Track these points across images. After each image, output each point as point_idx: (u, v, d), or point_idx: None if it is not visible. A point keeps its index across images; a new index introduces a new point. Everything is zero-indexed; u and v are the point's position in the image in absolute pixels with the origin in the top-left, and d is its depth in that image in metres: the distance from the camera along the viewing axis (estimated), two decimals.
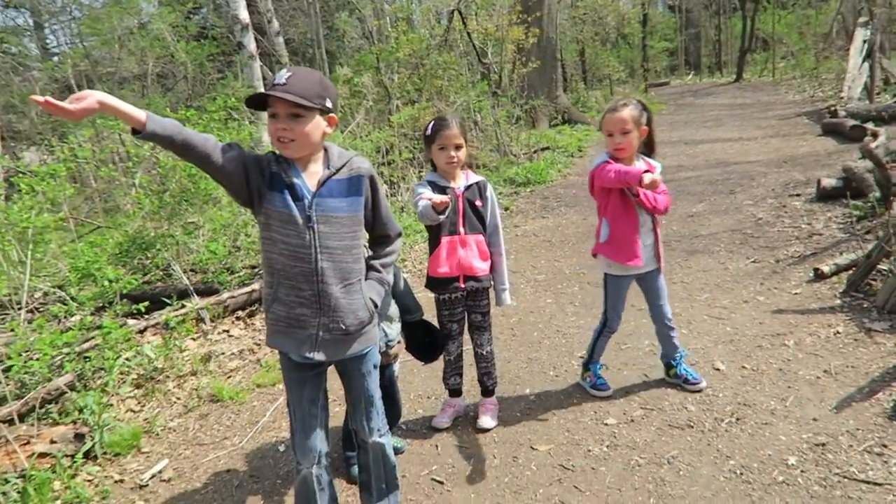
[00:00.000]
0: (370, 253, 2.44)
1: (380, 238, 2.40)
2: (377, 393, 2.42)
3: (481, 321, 3.32)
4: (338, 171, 2.16)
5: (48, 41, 21.04)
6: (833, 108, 11.57)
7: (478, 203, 3.17)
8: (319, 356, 2.20)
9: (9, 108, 14.02)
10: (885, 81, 13.50)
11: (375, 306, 2.29)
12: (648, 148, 3.24)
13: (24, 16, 19.89)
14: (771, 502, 2.55)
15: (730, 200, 7.36)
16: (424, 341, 3.19)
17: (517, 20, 11.77)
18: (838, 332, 3.88)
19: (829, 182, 6.69)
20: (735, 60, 26.78)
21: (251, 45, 10.49)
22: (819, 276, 4.69)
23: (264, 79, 11.70)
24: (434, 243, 3.17)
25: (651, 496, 2.67)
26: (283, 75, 2.04)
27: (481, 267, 3.18)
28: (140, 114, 1.84)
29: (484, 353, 3.38)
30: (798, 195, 7.12)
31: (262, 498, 2.98)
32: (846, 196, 6.23)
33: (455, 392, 3.48)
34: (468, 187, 3.16)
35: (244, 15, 10.28)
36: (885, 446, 2.79)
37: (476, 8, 12.39)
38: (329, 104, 2.10)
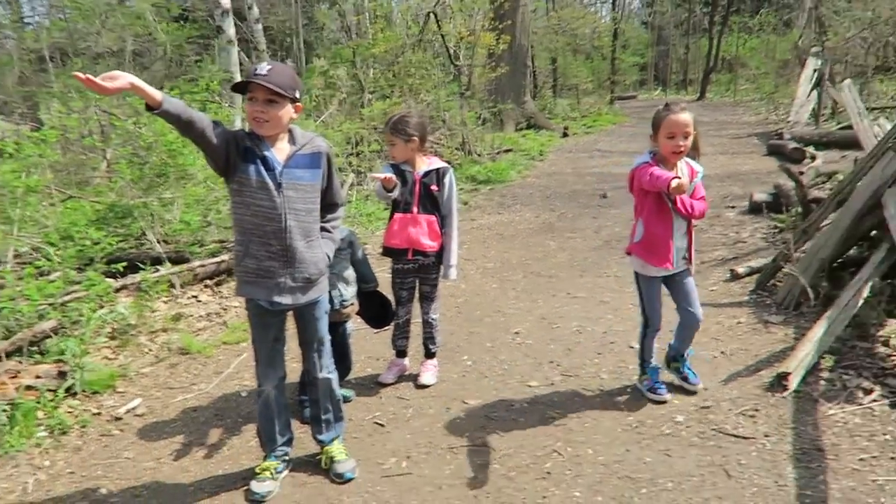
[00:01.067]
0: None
1: (329, 206, 2.87)
2: (327, 336, 2.90)
3: (430, 292, 3.78)
4: (301, 147, 2.63)
5: (23, 10, 20.85)
6: (780, 131, 12.36)
7: (433, 188, 3.55)
8: (286, 301, 2.66)
9: None
10: (832, 111, 14.37)
11: (331, 259, 2.78)
12: (694, 150, 3.24)
13: None
14: (656, 447, 3.07)
15: None
16: (377, 311, 3.71)
17: (489, 26, 12.28)
18: (740, 322, 4.45)
19: (760, 196, 7.34)
20: (701, 79, 27.79)
21: (230, 31, 10.79)
22: (734, 276, 5.28)
23: (241, 64, 11.98)
24: (390, 218, 3.61)
25: (559, 441, 3.17)
26: (264, 67, 2.50)
27: (429, 244, 3.57)
28: (158, 94, 2.26)
29: (430, 319, 3.84)
30: (733, 207, 7.76)
31: (225, 431, 3.40)
32: (775, 210, 6.89)
33: (401, 353, 3.95)
34: (427, 173, 3.56)
35: (225, 0, 10.57)
36: (757, 410, 3.34)
37: (452, 12, 12.88)
38: (297, 94, 2.56)
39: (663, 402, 3.42)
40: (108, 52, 14.02)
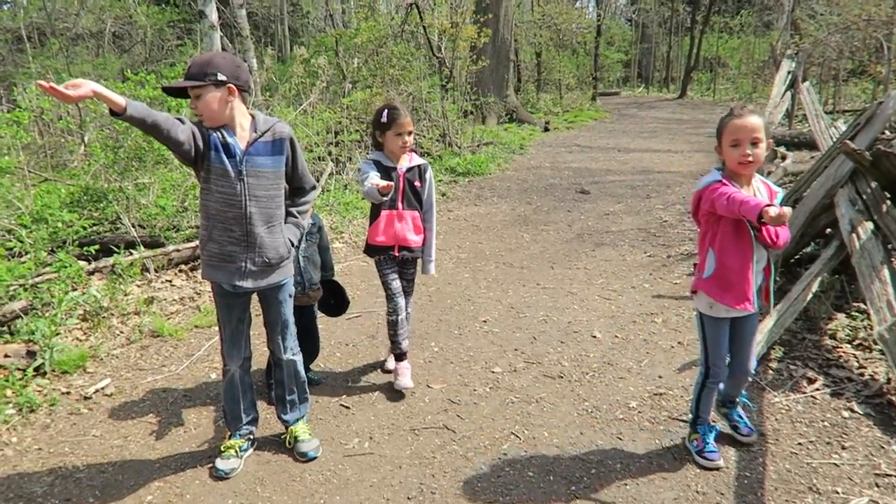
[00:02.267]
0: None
1: (297, 189, 2.96)
2: (291, 318, 2.98)
3: (406, 286, 3.75)
4: (263, 134, 2.69)
5: None
6: None
7: (417, 184, 3.55)
8: (247, 284, 2.75)
9: None
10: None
11: (292, 244, 2.85)
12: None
13: None
14: (609, 431, 3.20)
15: (644, 204, 8.14)
16: (333, 299, 3.79)
17: (472, 19, 12.35)
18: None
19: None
20: (682, 78, 28.07)
21: (213, 16, 10.76)
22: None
23: (223, 49, 11.94)
24: (374, 215, 3.53)
25: (517, 424, 3.30)
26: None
27: (415, 239, 3.56)
28: (121, 100, 2.25)
29: (406, 314, 3.74)
30: None
31: (194, 413, 3.48)
32: None
33: (404, 355, 3.71)
34: (410, 169, 3.53)
35: None
36: None
37: (434, 3, 12.92)
38: (221, 77, 2.55)
39: (715, 469, 2.85)
40: (87, 33, 13.90)
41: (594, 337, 4.32)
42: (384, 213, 3.50)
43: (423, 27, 12.30)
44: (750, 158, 2.54)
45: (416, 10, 12.28)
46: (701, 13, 26.45)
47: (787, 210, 2.28)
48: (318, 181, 8.23)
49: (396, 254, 3.55)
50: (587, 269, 5.76)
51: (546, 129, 15.90)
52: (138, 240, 5.59)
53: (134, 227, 5.85)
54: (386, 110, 3.44)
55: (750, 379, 2.98)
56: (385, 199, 3.34)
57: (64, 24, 13.36)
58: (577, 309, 4.81)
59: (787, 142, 11.40)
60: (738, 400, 3.08)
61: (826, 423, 3.14)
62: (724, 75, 26.81)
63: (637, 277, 5.46)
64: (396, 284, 3.62)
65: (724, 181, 2.58)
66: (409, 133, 3.46)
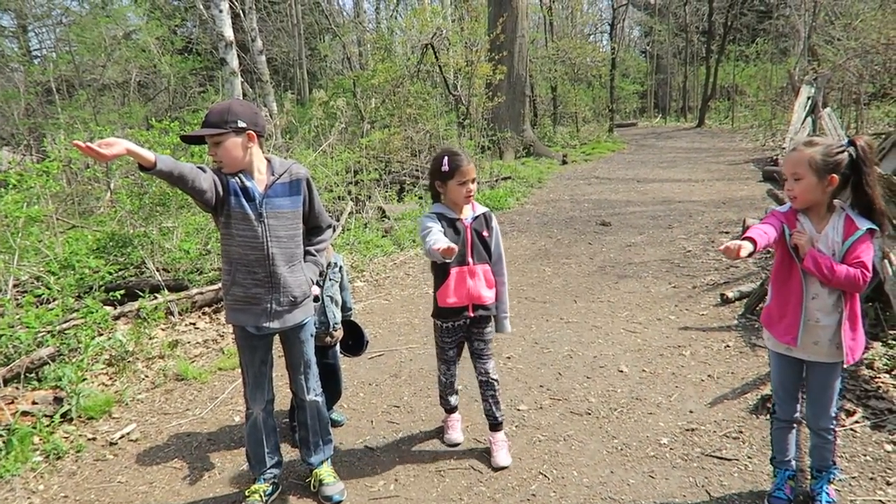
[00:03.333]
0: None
1: (314, 229, 2.98)
2: (313, 358, 2.98)
3: (483, 349, 3.31)
4: (280, 176, 2.74)
5: (31, 43, 21.31)
6: (775, 158, 12.50)
7: (485, 233, 3.20)
8: (274, 325, 2.75)
9: None
10: None
11: (314, 282, 2.87)
12: (862, 205, 2.45)
13: (10, 17, 20.18)
14: (640, 470, 3.11)
15: (666, 234, 8.06)
16: (349, 340, 3.74)
17: (486, 57, 12.53)
18: (728, 346, 4.50)
19: (752, 222, 7.42)
20: (699, 107, 28.09)
21: (234, 62, 11.06)
22: (725, 300, 5.35)
23: (244, 95, 12.23)
24: (442, 273, 3.16)
25: (545, 463, 3.22)
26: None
27: (488, 295, 3.20)
28: (151, 156, 2.31)
29: (490, 380, 3.31)
30: (727, 232, 7.85)
31: (218, 457, 3.46)
32: None
33: (453, 410, 3.55)
34: (476, 218, 3.19)
35: (229, 32, 10.86)
36: (741, 432, 3.39)
37: (449, 43, 13.14)
38: (242, 124, 2.61)
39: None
40: (114, 83, 14.34)
41: (621, 371, 4.24)
42: (454, 270, 3.13)
43: (439, 66, 12.51)
44: (791, 194, 2.47)
45: (431, 50, 12.50)
46: (716, 42, 26.57)
47: (803, 237, 2.37)
48: (338, 220, 8.30)
49: (471, 314, 3.18)
50: (611, 301, 5.69)
51: (564, 162, 15.94)
52: (162, 283, 5.65)
53: (158, 270, 5.92)
54: (446, 157, 3.08)
55: (831, 445, 2.66)
56: (447, 260, 2.95)
57: (91, 76, 13.80)
58: (602, 343, 4.74)
59: None
60: (824, 471, 2.70)
61: (868, 458, 3.03)
62: (741, 103, 26.75)
63: (662, 309, 5.38)
64: (451, 354, 3.34)
65: (788, 211, 2.54)
66: (473, 181, 3.12)
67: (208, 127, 2.59)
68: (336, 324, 3.43)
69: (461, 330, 3.28)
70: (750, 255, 2.24)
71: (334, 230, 3.25)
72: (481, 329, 3.28)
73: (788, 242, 2.49)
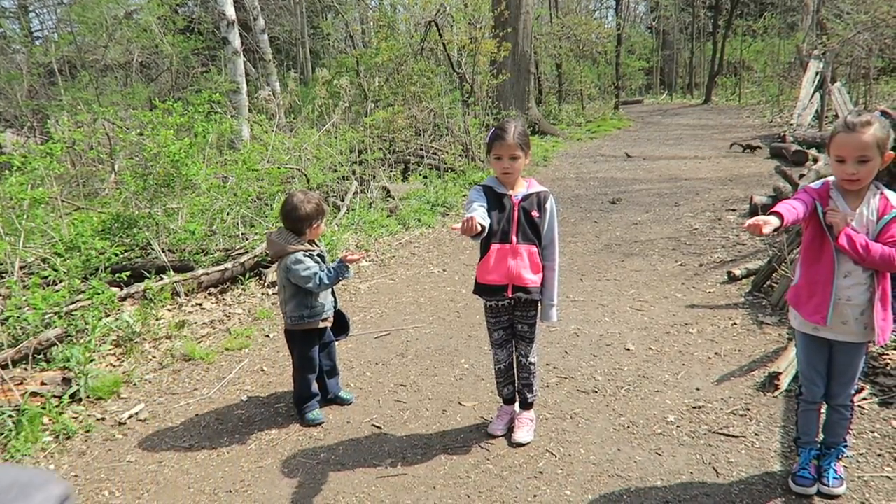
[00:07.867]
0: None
1: None
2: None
3: (527, 332, 3.20)
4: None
5: (32, 24, 21.20)
6: (783, 134, 12.38)
7: (534, 214, 3.02)
8: None
9: None
10: (836, 113, 14.38)
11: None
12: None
13: None
14: (647, 447, 3.12)
15: (673, 212, 8.02)
16: (337, 322, 3.70)
17: (490, 34, 12.39)
18: (735, 324, 4.49)
19: (760, 199, 7.36)
20: (706, 83, 27.81)
21: (236, 42, 10.96)
22: (732, 278, 5.32)
23: (247, 75, 12.14)
24: (484, 249, 3.05)
25: (552, 441, 3.23)
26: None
27: (531, 278, 3.02)
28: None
29: (527, 363, 3.25)
30: (734, 210, 7.80)
31: (226, 436, 3.47)
32: None
33: (509, 400, 3.40)
34: (526, 197, 3.02)
35: (230, 11, 10.76)
36: (748, 410, 3.38)
37: (453, 20, 12.99)
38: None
39: (808, 496, 2.64)
40: (116, 64, 14.25)
41: (627, 349, 4.23)
42: (494, 247, 3.00)
43: (443, 44, 12.37)
44: (852, 177, 2.34)
45: (435, 28, 12.36)
46: (723, 17, 26.21)
47: (837, 216, 2.26)
48: (342, 200, 8.28)
49: (510, 294, 3.03)
50: (617, 280, 5.67)
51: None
52: (168, 264, 5.65)
53: (164, 252, 5.92)
54: (493, 129, 2.99)
55: (846, 422, 2.65)
56: (480, 236, 2.85)
57: (93, 57, 13.71)
58: (608, 321, 4.73)
59: (817, 144, 11.17)
60: (833, 448, 2.69)
61: (876, 434, 3.02)
62: (749, 79, 26.47)
63: (669, 287, 5.36)
64: (498, 336, 3.22)
65: (821, 188, 2.45)
66: (513, 157, 2.93)
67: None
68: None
69: (505, 311, 3.16)
70: (776, 230, 2.17)
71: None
72: (526, 312, 3.15)
73: (823, 221, 2.40)
